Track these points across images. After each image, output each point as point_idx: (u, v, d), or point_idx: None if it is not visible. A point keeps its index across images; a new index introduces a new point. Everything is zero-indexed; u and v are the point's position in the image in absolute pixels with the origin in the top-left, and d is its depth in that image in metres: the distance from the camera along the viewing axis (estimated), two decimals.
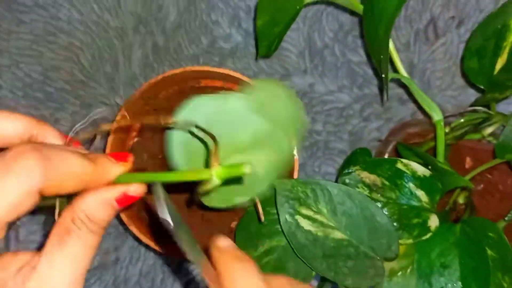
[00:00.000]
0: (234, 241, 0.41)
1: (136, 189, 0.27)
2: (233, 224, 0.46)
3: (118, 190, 0.26)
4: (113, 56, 0.55)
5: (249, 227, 0.41)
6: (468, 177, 0.45)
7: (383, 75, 0.37)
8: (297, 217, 0.37)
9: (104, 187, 0.26)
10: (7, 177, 0.22)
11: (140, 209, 0.45)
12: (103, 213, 0.26)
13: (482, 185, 0.51)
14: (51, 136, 0.27)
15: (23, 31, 0.55)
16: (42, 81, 0.55)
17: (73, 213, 0.25)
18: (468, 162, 0.51)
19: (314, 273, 0.38)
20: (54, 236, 0.25)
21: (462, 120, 0.47)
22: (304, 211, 0.37)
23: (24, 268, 0.24)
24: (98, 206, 0.25)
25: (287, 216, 0.37)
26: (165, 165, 0.46)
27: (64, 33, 0.55)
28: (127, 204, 0.27)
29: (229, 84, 0.46)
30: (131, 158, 0.28)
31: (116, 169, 0.27)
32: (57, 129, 0.28)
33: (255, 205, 0.39)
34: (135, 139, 0.47)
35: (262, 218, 0.38)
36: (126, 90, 0.55)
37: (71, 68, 0.55)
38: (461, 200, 0.47)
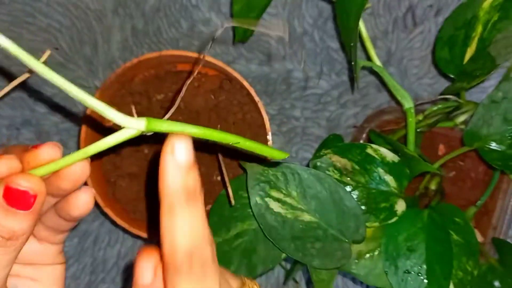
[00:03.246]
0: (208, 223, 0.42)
1: (27, 183, 0.22)
2: (208, 207, 0.47)
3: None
4: (92, 38, 0.55)
5: (222, 210, 0.41)
6: (438, 163, 0.46)
7: (353, 63, 0.37)
8: (267, 199, 0.38)
9: None
10: None
11: (115, 191, 0.45)
12: (4, 220, 0.22)
13: (454, 172, 0.52)
14: None
15: (1, 12, 0.55)
16: (20, 63, 0.55)
17: None
18: (441, 149, 0.52)
19: (283, 255, 0.39)
20: None
21: (435, 108, 0.47)
22: (274, 193, 0.38)
23: None
24: None
25: (257, 198, 0.38)
26: (141, 148, 0.46)
27: (43, 15, 0.55)
28: (25, 202, 0.22)
29: (205, 69, 0.46)
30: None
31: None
32: None
33: (226, 189, 0.39)
34: (111, 123, 0.47)
35: (233, 201, 0.39)
36: (105, 73, 0.55)
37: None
38: (433, 186, 0.48)
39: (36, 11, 0.55)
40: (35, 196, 0.22)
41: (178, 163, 0.21)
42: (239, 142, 0.22)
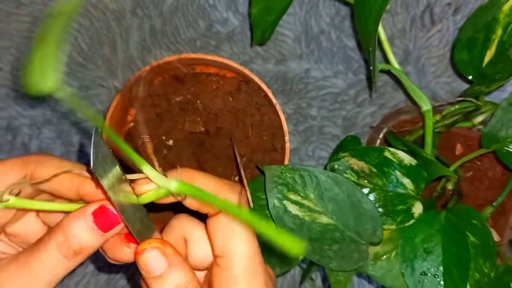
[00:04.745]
0: None
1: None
2: None
3: (95, 204, 0.25)
4: (111, 39, 0.56)
5: None
6: (456, 164, 0.46)
7: (372, 68, 0.37)
8: (285, 202, 0.38)
9: None
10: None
11: None
12: (82, 233, 0.25)
13: (471, 172, 0.52)
14: (45, 170, 0.27)
15: (22, 13, 0.56)
16: None
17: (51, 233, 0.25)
18: (459, 148, 0.52)
19: (301, 256, 0.40)
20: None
21: (452, 109, 0.47)
22: (292, 196, 0.39)
23: None
24: (76, 227, 0.25)
25: (275, 201, 0.38)
26: (160, 149, 0.47)
27: None
28: (108, 225, 0.25)
29: (223, 71, 0.46)
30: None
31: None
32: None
33: (244, 191, 0.40)
34: (131, 124, 0.48)
35: (251, 204, 0.39)
36: (124, 73, 0.56)
37: (69, 50, 0.56)
38: (450, 186, 0.48)
39: None
40: (118, 223, 0.25)
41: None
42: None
